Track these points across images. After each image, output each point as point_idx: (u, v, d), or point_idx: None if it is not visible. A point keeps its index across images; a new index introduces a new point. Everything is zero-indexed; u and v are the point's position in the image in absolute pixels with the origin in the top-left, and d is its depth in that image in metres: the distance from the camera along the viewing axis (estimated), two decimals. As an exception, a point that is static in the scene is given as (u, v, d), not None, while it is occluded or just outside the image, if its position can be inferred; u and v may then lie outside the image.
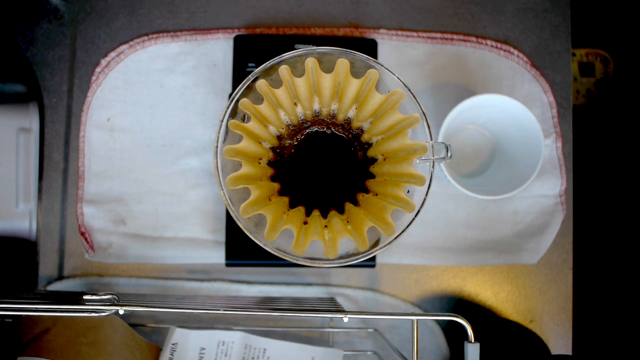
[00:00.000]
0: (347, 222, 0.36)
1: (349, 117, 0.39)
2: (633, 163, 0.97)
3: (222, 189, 0.36)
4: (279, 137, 0.39)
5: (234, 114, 0.37)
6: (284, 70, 0.35)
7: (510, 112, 0.51)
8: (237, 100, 0.36)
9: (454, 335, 0.56)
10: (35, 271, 0.54)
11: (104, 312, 0.35)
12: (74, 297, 0.43)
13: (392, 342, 0.49)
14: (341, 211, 0.37)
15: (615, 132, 1.00)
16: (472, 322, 0.36)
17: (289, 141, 0.39)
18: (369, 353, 0.54)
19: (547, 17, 0.58)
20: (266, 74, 0.38)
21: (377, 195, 0.37)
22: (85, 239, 0.53)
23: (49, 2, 0.55)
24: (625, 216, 0.97)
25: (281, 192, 0.38)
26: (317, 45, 0.46)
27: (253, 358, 0.48)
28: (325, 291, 0.55)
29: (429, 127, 0.37)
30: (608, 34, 1.01)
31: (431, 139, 0.37)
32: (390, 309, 0.56)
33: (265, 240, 0.35)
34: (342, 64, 0.35)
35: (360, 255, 0.36)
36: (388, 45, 0.56)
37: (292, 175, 0.39)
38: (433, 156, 0.37)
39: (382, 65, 0.37)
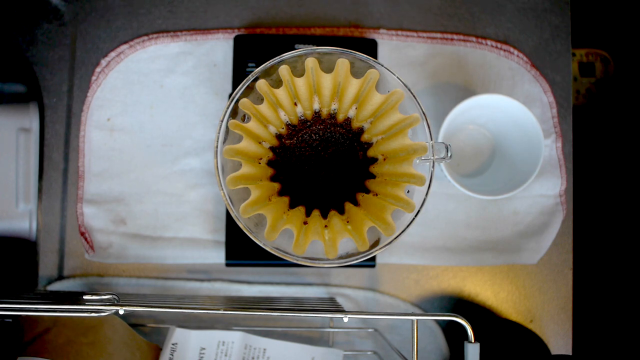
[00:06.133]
0: (347, 222, 0.36)
1: (349, 117, 0.39)
2: (633, 163, 0.97)
3: (222, 189, 0.36)
4: (279, 137, 0.39)
5: (234, 114, 0.37)
6: (284, 70, 0.35)
7: (510, 112, 0.51)
8: (237, 100, 0.36)
9: (454, 335, 0.56)
10: (35, 271, 0.54)
11: (104, 312, 0.35)
12: (74, 297, 0.43)
13: (392, 342, 0.49)
14: (341, 211, 0.37)
15: (615, 132, 1.00)
16: (472, 322, 0.36)
17: (289, 141, 0.39)
18: (369, 353, 0.54)
19: (547, 17, 0.58)
20: (266, 74, 0.38)
21: (377, 195, 0.37)
22: (85, 239, 0.53)
23: (49, 2, 0.55)
24: (625, 216, 0.97)
25: (281, 192, 0.38)
26: (317, 45, 0.46)
27: (253, 358, 0.48)
28: (325, 291, 0.55)
29: (429, 127, 0.37)
30: (608, 34, 1.01)
31: (431, 139, 0.37)
32: (390, 309, 0.56)
33: (265, 240, 0.35)
34: (342, 64, 0.35)
35: (360, 255, 0.36)
36: (388, 45, 0.56)
37: (292, 175, 0.39)
38: (433, 156, 0.37)
39: (382, 65, 0.37)
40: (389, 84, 0.38)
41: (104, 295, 0.35)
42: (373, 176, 0.38)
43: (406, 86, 0.37)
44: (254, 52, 0.53)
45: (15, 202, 0.53)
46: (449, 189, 0.56)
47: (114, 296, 0.35)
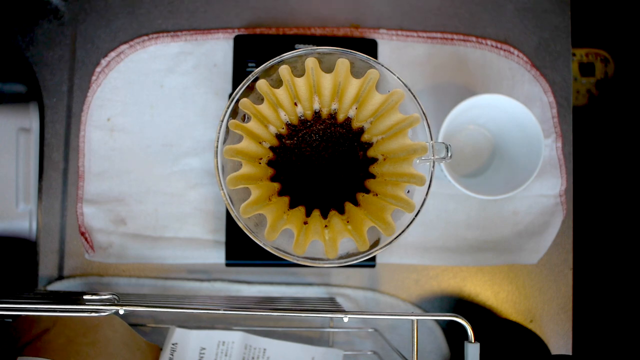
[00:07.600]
0: (347, 222, 0.36)
1: (349, 117, 0.39)
2: (633, 163, 0.97)
3: (222, 189, 0.36)
4: (279, 137, 0.39)
5: (234, 114, 0.37)
6: (284, 70, 0.35)
7: (510, 112, 0.51)
8: (237, 100, 0.36)
9: (454, 335, 0.56)
10: (35, 271, 0.54)
11: (104, 312, 0.35)
12: (74, 297, 0.43)
13: (392, 342, 0.49)
14: (341, 211, 0.37)
15: (616, 132, 1.00)
16: (472, 322, 0.36)
17: (289, 141, 0.39)
18: (369, 353, 0.54)
19: (547, 17, 0.58)
20: (266, 74, 0.38)
21: (377, 195, 0.37)
22: (85, 239, 0.53)
23: (49, 2, 0.55)
24: (625, 216, 0.97)
25: (281, 192, 0.38)
26: (317, 45, 0.46)
27: (253, 358, 0.48)
28: (325, 291, 0.55)
29: (429, 127, 0.37)
30: (608, 34, 1.01)
31: (431, 139, 0.37)
32: (390, 309, 0.56)
33: (265, 240, 0.35)
34: (342, 64, 0.35)
35: (360, 255, 0.36)
36: (388, 45, 0.56)
37: (292, 175, 0.39)
38: (433, 156, 0.37)
39: (382, 65, 0.37)
40: (389, 84, 0.38)
41: (104, 295, 0.35)
42: (373, 176, 0.38)
43: (406, 86, 0.37)
44: (254, 52, 0.53)
45: (15, 202, 0.53)
46: (449, 189, 0.56)
47: (114, 296, 0.35)
